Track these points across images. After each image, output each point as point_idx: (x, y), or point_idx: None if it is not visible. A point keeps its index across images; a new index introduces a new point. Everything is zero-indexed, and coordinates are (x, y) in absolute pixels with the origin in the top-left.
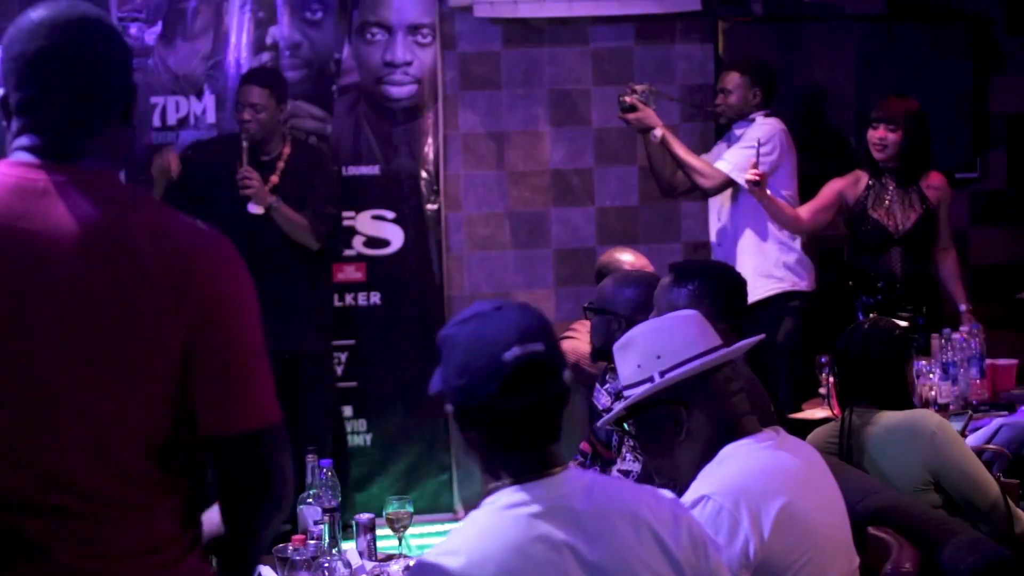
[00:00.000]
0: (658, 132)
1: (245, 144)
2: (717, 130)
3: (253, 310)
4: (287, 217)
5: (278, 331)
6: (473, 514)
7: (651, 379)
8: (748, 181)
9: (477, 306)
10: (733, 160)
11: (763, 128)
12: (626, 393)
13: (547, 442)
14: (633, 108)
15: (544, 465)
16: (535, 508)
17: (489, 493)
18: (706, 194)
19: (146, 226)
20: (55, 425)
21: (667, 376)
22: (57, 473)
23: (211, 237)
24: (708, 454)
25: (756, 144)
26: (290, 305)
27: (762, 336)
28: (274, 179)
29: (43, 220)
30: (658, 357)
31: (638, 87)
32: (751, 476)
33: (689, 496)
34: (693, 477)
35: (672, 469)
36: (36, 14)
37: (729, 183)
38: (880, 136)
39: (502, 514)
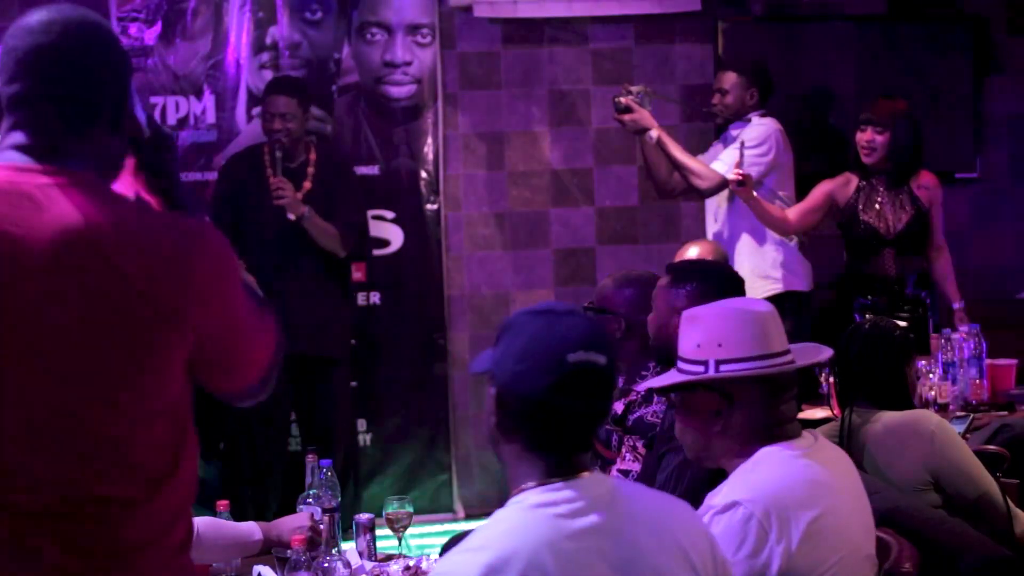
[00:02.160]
0: (654, 133)
1: (279, 154)
2: (717, 131)
3: (240, 288)
4: (318, 226)
5: (304, 333)
6: (499, 512)
7: (705, 364)
8: (732, 181)
9: (551, 303)
10: (729, 161)
11: (759, 128)
12: (680, 366)
13: (579, 450)
14: (628, 109)
15: (572, 469)
16: (563, 508)
17: (516, 493)
18: (702, 195)
19: (130, 231)
20: (45, 430)
21: (721, 369)
22: (48, 477)
23: (196, 233)
24: (740, 451)
25: (741, 144)
26: (317, 308)
27: (831, 352)
28: (307, 185)
29: (29, 225)
30: (719, 345)
31: (633, 88)
32: (784, 485)
33: (720, 499)
34: (715, 463)
35: (699, 449)
36: (38, 14)
37: (725, 184)
38: (868, 139)
39: (530, 512)
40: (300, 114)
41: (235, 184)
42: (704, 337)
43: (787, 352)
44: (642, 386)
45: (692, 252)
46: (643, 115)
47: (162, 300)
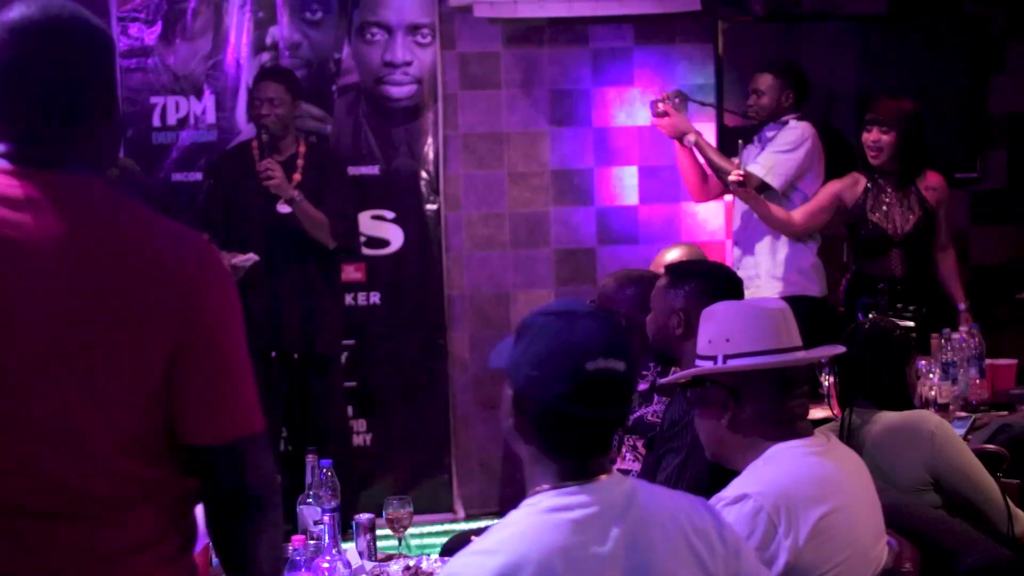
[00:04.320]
0: (691, 137)
1: (265, 137)
2: (718, 131)
3: (236, 317)
4: (307, 213)
5: (293, 330)
6: (513, 514)
7: (715, 359)
8: (732, 182)
9: (571, 303)
10: (767, 164)
11: (795, 132)
12: (696, 362)
13: (597, 454)
14: (666, 114)
15: (588, 473)
16: (576, 514)
17: (531, 495)
18: (740, 197)
19: (129, 233)
20: (43, 431)
21: (728, 363)
22: (46, 477)
23: (195, 243)
24: (751, 446)
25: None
26: (307, 306)
27: (842, 349)
28: (297, 176)
29: (24, 229)
30: (727, 340)
31: (670, 92)
32: (795, 481)
33: (731, 492)
34: (731, 462)
35: (714, 445)
36: (6, 18)
37: (763, 186)
38: (874, 139)
39: (544, 517)
40: (289, 101)
41: (224, 181)
42: (715, 333)
43: (798, 348)
44: (661, 381)
45: (671, 255)
46: (681, 119)
47: (163, 302)
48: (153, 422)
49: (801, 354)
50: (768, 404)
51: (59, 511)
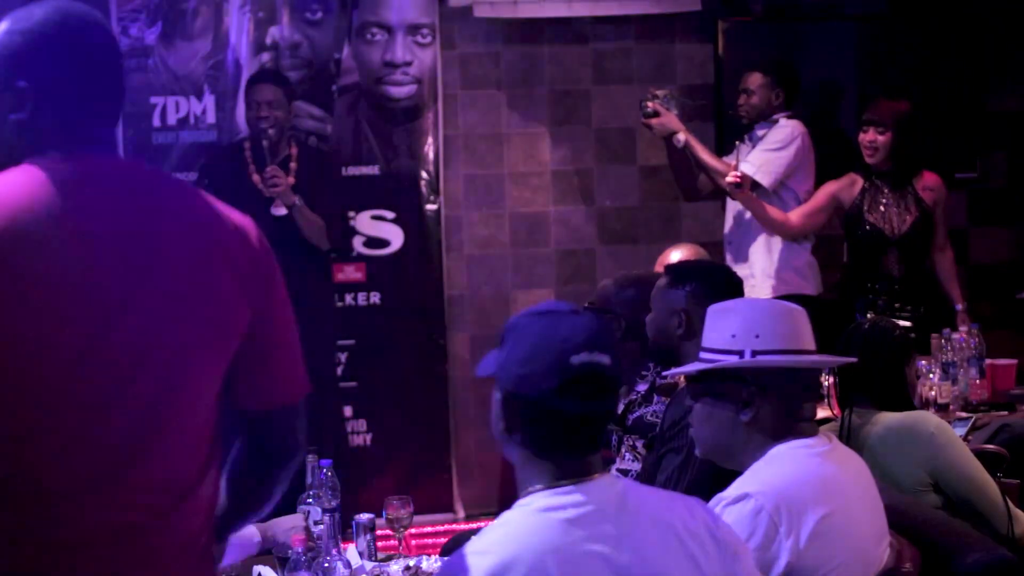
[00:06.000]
0: (681, 136)
1: (266, 143)
2: (717, 131)
3: (284, 285)
4: (306, 217)
5: None
6: (506, 515)
7: (741, 353)
8: (728, 184)
9: (553, 304)
10: (757, 162)
11: (785, 130)
12: (706, 356)
13: (588, 451)
14: (656, 114)
15: (581, 472)
16: (569, 513)
17: (524, 495)
18: (731, 196)
19: (210, 209)
20: (143, 424)
21: (759, 358)
22: (90, 500)
23: (248, 217)
24: (762, 444)
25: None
26: (300, 304)
27: (854, 360)
28: (290, 179)
29: (109, 218)
30: (757, 336)
31: (659, 92)
32: (796, 482)
33: (732, 492)
34: (730, 459)
35: (717, 442)
36: (48, 8)
37: (753, 184)
38: (870, 139)
39: (536, 516)
40: (286, 104)
41: (216, 182)
42: (739, 328)
43: (816, 351)
44: (672, 371)
45: (675, 256)
46: (670, 118)
47: (248, 272)
48: (217, 400)
49: (827, 357)
50: (787, 404)
51: (101, 536)
